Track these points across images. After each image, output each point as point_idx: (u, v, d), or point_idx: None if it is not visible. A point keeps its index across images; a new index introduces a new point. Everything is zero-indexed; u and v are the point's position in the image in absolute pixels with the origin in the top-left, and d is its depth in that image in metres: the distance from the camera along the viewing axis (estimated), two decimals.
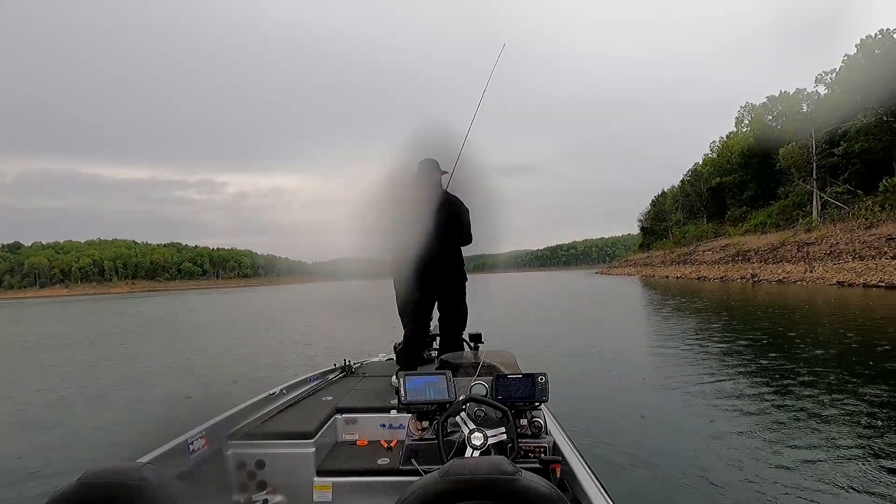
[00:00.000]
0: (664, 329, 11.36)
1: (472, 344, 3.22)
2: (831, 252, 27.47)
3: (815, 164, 36.67)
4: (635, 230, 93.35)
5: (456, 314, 3.31)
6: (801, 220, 36.58)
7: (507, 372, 1.88)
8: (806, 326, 10.60)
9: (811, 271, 26.52)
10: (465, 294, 3.35)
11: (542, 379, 1.71)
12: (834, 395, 5.04)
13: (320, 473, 2.16)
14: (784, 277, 27.65)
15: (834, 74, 38.56)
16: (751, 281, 29.84)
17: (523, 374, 1.73)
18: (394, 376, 2.99)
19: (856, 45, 37.41)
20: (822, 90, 40.57)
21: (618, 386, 6.13)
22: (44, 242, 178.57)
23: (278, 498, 2.14)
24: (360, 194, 2.99)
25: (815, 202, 36.59)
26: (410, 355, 3.26)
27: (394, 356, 3.64)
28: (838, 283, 22.40)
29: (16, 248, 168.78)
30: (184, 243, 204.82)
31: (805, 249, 29.65)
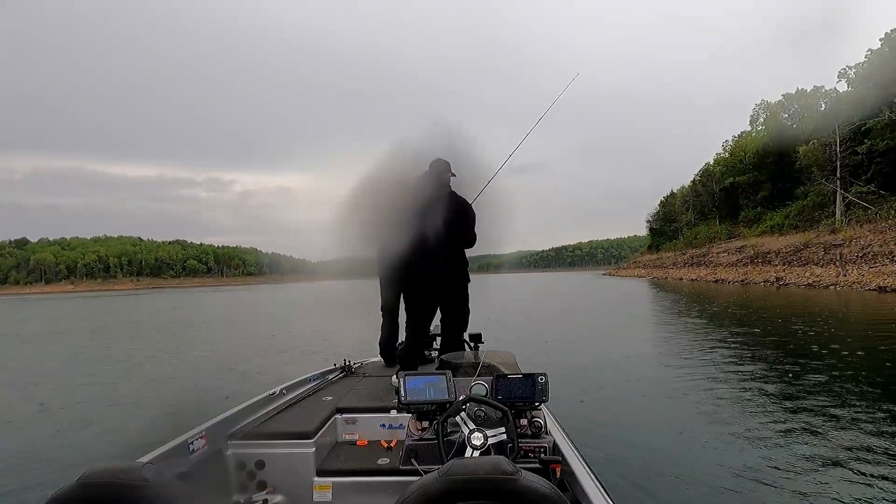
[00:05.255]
0: (680, 333, 10.59)
1: (472, 344, 3.19)
2: (864, 254, 25.90)
3: (839, 163, 35.13)
4: (641, 231, 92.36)
5: (458, 315, 3.30)
6: (824, 221, 35.06)
7: (507, 372, 1.89)
8: (856, 337, 9.42)
9: (845, 275, 24.91)
10: (467, 295, 3.34)
11: (542, 379, 1.70)
12: (871, 421, 4.35)
13: (320, 473, 2.15)
14: (814, 281, 26.03)
15: (856, 70, 37.10)
16: (775, 284, 28.36)
17: (523, 375, 1.73)
18: (394, 376, 2.94)
19: (880, 39, 36.05)
20: (842, 87, 39.17)
21: (620, 387, 6.01)
22: (50, 239, 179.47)
23: (278, 498, 2.12)
24: (343, 193, 2.89)
25: (838, 202, 35.05)
26: (409, 356, 3.22)
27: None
28: (878, 287, 20.77)
29: (22, 244, 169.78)
30: (189, 241, 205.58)
31: (837, 251, 28.05)
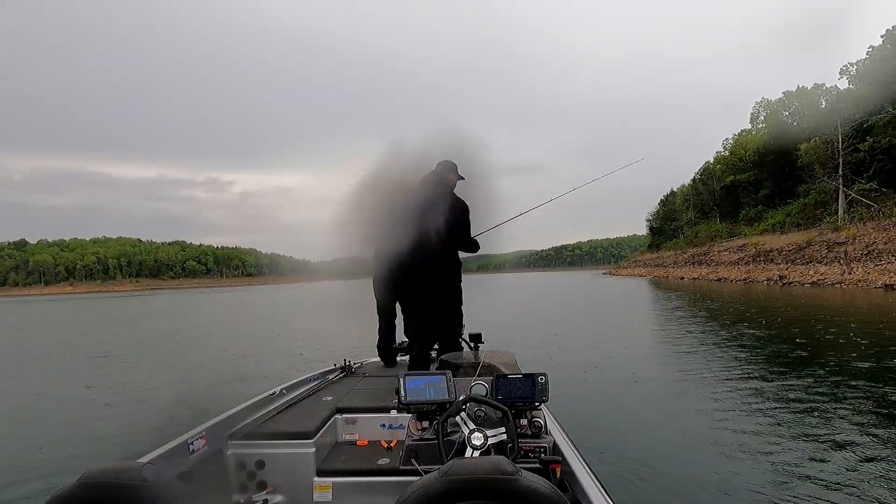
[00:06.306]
0: (682, 333, 10.41)
1: (472, 344, 3.13)
2: (869, 252, 25.63)
3: (841, 160, 34.93)
4: (641, 231, 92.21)
5: (456, 315, 3.31)
6: (826, 219, 34.87)
7: (507, 372, 1.88)
8: (867, 336, 9.13)
9: (850, 273, 24.61)
10: (461, 294, 3.34)
11: (542, 379, 1.71)
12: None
13: (320, 473, 2.14)
14: (819, 279, 25.76)
15: (858, 67, 36.94)
16: (778, 283, 28.10)
17: (523, 375, 1.73)
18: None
19: (881, 36, 35.92)
20: (843, 84, 39.03)
21: (621, 387, 5.95)
22: (49, 240, 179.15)
23: (278, 498, 2.12)
24: (342, 193, 2.88)
25: (840, 200, 34.84)
26: (420, 357, 3.22)
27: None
28: (885, 286, 20.45)
29: (21, 245, 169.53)
30: (188, 241, 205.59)
31: (842, 249, 27.74)
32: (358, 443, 2.47)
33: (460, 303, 3.36)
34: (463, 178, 3.27)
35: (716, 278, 36.90)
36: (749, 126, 53.18)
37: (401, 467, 1.64)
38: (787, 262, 32.50)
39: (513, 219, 3.81)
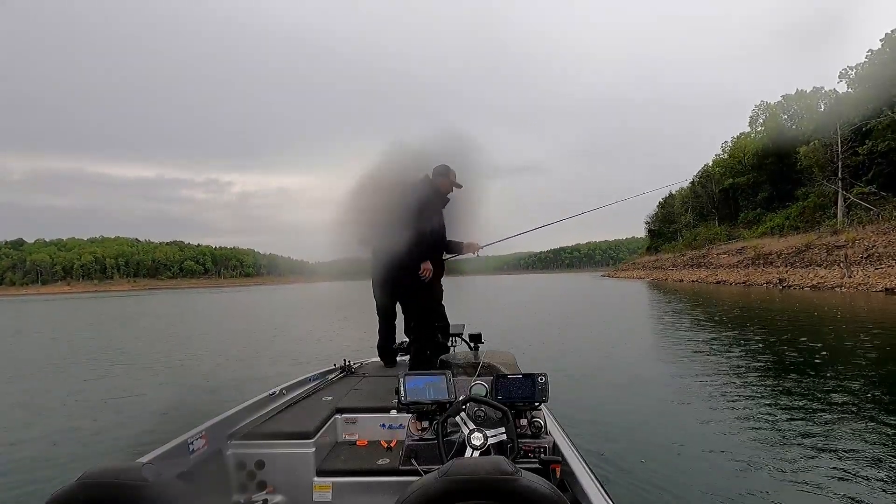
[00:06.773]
0: (683, 335, 10.39)
1: (472, 344, 3.14)
2: (868, 256, 25.62)
3: (840, 164, 34.98)
4: (639, 233, 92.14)
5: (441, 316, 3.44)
6: (825, 223, 34.90)
7: (507, 372, 1.93)
8: (871, 340, 9.09)
9: (850, 276, 24.58)
10: (440, 295, 3.41)
11: (542, 379, 1.71)
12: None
13: (320, 473, 2.14)
14: (819, 283, 25.76)
15: (857, 70, 37.04)
16: (778, 286, 28.11)
17: (523, 375, 1.73)
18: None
19: (880, 40, 36.02)
20: (842, 88, 39.14)
21: (621, 388, 5.94)
22: (46, 240, 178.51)
23: (278, 498, 2.12)
24: (342, 193, 2.89)
25: (839, 203, 34.88)
26: (419, 357, 3.26)
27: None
28: (886, 289, 20.41)
29: (18, 244, 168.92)
30: (187, 242, 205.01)
31: (841, 252, 27.70)
32: (358, 443, 2.47)
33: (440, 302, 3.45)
34: (460, 186, 3.26)
35: (715, 281, 36.91)
36: (748, 129, 53.33)
37: (401, 467, 1.64)
38: (786, 265, 32.51)
39: (543, 226, 3.88)
